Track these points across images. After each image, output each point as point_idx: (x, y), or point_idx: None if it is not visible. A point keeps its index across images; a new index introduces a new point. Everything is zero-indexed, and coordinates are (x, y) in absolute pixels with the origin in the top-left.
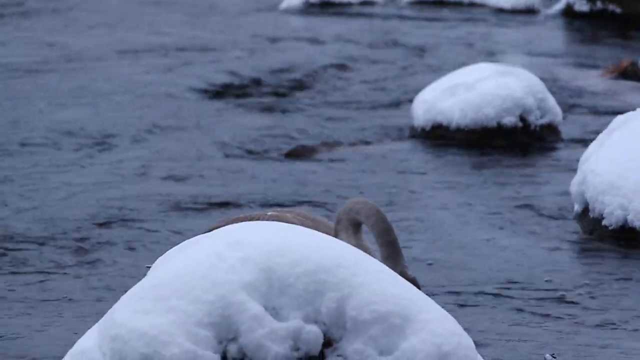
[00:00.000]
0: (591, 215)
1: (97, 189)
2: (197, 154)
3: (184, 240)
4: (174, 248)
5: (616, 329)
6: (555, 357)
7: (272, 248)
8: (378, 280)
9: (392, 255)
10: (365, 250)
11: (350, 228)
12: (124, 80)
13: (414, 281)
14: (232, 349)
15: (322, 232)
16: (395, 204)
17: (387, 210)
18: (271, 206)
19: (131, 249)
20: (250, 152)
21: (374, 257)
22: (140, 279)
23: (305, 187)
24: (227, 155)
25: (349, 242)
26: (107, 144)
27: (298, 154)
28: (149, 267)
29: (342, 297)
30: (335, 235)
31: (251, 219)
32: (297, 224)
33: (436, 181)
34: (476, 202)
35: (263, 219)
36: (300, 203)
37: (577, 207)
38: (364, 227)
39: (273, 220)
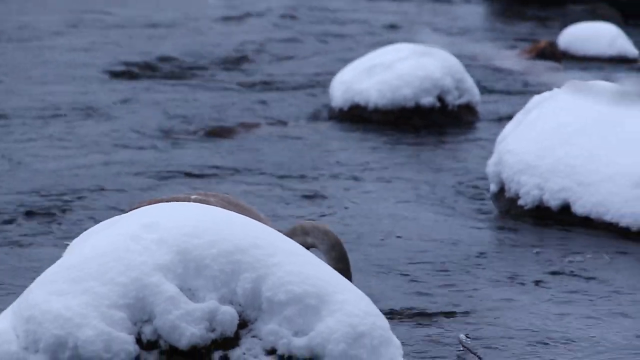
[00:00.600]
0: (507, 194)
1: (3, 171)
2: (114, 135)
3: (100, 222)
4: (89, 229)
5: (530, 299)
6: (469, 337)
7: (188, 229)
8: (294, 261)
9: None
10: None
11: None
12: (39, 60)
13: None
14: (147, 331)
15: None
16: (313, 184)
17: (306, 190)
18: (193, 188)
19: (47, 232)
20: (168, 132)
21: None
22: (58, 259)
23: (224, 168)
24: (144, 136)
25: None
26: (19, 122)
27: (217, 134)
28: (68, 245)
29: (257, 277)
30: None
31: (175, 200)
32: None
33: (354, 161)
34: (393, 182)
35: (186, 202)
36: (219, 184)
37: (493, 187)
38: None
39: (197, 202)
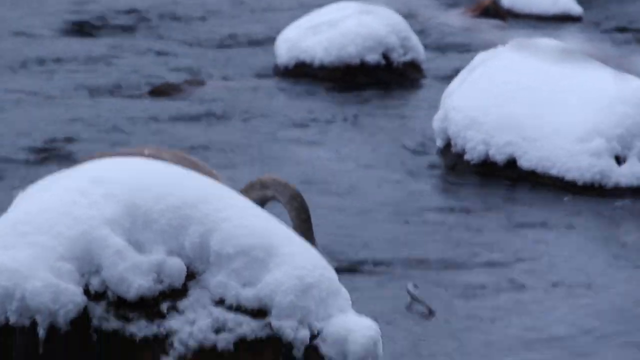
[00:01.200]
0: (453, 150)
1: None
2: (57, 93)
3: (46, 176)
4: (36, 183)
5: (475, 251)
6: (417, 287)
7: (136, 184)
8: (242, 214)
9: (306, 236)
10: None
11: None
12: None
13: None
14: (95, 282)
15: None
16: (258, 140)
17: (250, 147)
18: (138, 145)
19: None
20: (111, 90)
21: None
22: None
23: (170, 125)
24: (88, 93)
25: None
26: None
27: (162, 91)
28: (15, 192)
29: (205, 231)
30: None
31: (128, 154)
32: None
33: (300, 118)
34: (339, 139)
35: (140, 156)
36: (165, 141)
37: (439, 143)
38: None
39: (150, 158)
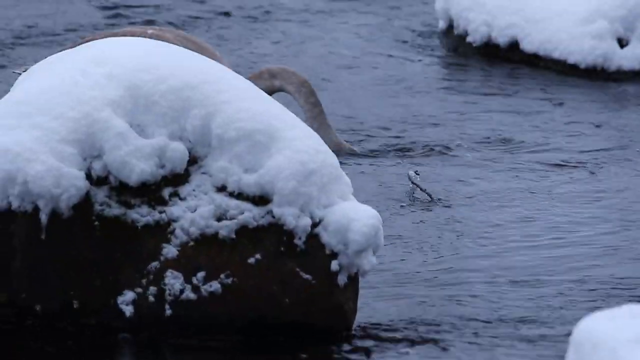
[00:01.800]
0: (456, 32)
1: None
2: None
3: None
4: (38, 63)
5: (476, 137)
6: (418, 173)
7: (137, 65)
8: (244, 97)
9: (322, 126)
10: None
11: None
12: None
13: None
14: (97, 166)
15: (206, 56)
16: (260, 25)
17: (249, 31)
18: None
19: None
20: None
21: None
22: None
23: (173, 3)
24: None
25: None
26: None
27: None
28: (16, 73)
29: (207, 114)
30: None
31: (131, 34)
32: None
33: (302, 2)
34: (341, 21)
35: (142, 36)
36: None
37: (441, 24)
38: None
39: (152, 38)
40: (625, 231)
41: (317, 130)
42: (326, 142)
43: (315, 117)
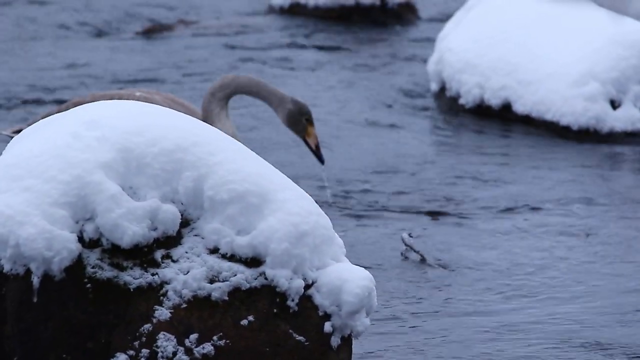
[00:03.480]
0: (448, 94)
1: None
2: (47, 33)
3: (40, 119)
4: (29, 127)
5: (470, 196)
6: (412, 236)
7: (129, 127)
8: (235, 159)
9: (278, 99)
10: (233, 134)
11: (224, 103)
12: None
13: (304, 106)
14: (89, 229)
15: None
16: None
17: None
18: (132, 85)
19: None
20: (104, 30)
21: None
22: None
23: (164, 66)
24: (78, 34)
25: (220, 117)
26: None
27: (155, 31)
28: (7, 135)
29: (199, 176)
30: (207, 113)
31: (119, 97)
32: (166, 107)
33: (292, 56)
34: (334, 79)
35: (131, 99)
36: (159, 82)
37: (434, 86)
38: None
39: (141, 100)
40: (633, 292)
41: (287, 109)
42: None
43: (266, 89)
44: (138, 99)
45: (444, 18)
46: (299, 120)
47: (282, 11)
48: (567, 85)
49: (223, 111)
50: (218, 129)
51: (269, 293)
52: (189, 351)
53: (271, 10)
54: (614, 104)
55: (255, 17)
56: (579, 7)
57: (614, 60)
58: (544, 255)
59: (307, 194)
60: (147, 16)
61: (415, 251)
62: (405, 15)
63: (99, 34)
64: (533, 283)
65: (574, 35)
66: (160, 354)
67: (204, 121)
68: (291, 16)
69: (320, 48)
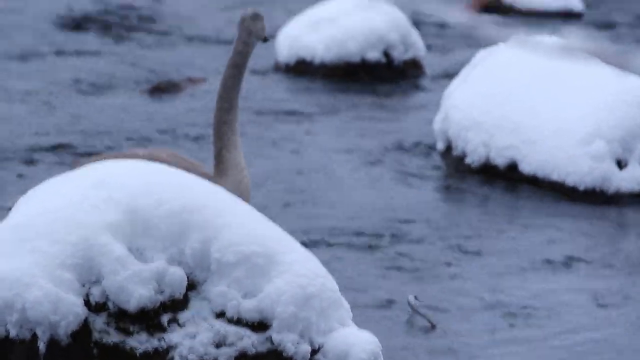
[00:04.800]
0: (454, 152)
1: None
2: (55, 89)
3: (44, 180)
4: (35, 187)
5: (477, 258)
6: (418, 299)
7: (136, 188)
8: (242, 221)
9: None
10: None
11: (235, 126)
12: None
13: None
14: (95, 292)
15: (196, 174)
16: (258, 138)
17: (248, 143)
18: (138, 144)
19: None
20: (111, 87)
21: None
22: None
23: (171, 124)
24: (86, 91)
25: (233, 145)
26: None
27: (162, 89)
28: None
29: (206, 238)
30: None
31: (124, 156)
32: (171, 165)
33: (299, 115)
34: (339, 138)
35: (135, 157)
36: (166, 140)
37: (440, 145)
38: None
39: (146, 159)
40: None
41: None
42: None
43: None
44: (143, 156)
45: (450, 75)
46: (251, 30)
47: (288, 68)
48: (573, 143)
49: (234, 137)
50: (227, 159)
51: (276, 358)
52: None
53: (277, 67)
54: (620, 164)
55: (262, 75)
56: (584, 63)
57: (620, 118)
58: (550, 314)
59: (313, 255)
60: (154, 73)
61: (421, 315)
62: (411, 72)
63: (105, 90)
64: (541, 344)
65: (579, 91)
66: None
67: (215, 137)
68: (297, 73)
69: (326, 105)
